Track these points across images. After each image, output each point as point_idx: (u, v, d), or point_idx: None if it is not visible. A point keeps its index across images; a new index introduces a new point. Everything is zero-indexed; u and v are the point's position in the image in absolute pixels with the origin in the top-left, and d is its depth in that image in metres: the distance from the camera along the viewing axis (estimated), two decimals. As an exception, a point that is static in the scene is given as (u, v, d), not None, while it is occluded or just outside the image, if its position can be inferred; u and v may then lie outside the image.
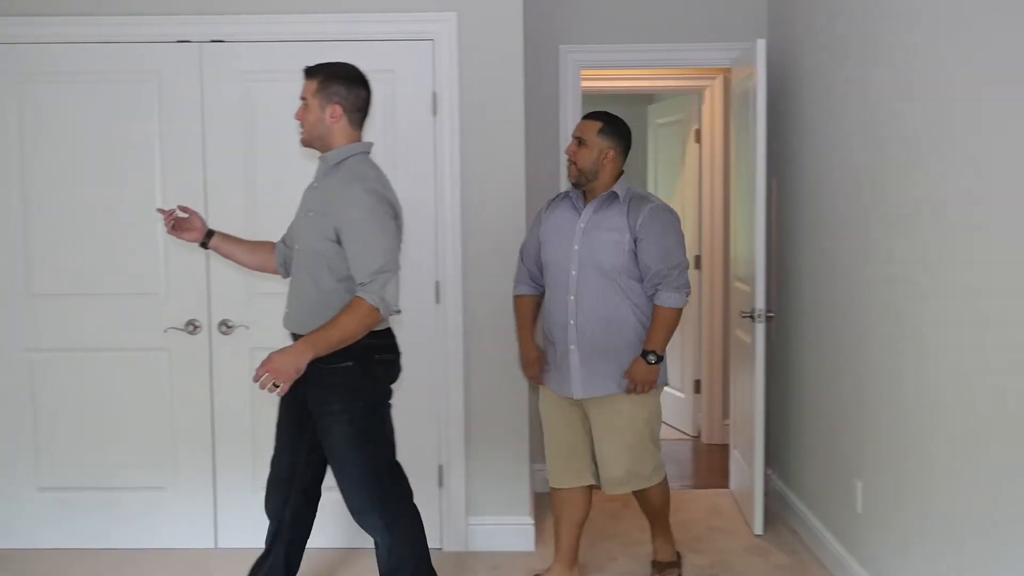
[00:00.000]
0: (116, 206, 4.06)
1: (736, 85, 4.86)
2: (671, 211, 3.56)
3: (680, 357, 6.28)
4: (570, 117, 4.87)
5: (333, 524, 4.04)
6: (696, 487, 5.16)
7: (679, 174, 6.30)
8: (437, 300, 4.08)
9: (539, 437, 4.81)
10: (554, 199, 3.72)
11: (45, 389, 4.14)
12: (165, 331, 4.03)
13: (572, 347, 3.52)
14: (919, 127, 3.03)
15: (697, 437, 6.16)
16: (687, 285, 3.51)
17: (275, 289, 4.06)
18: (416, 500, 3.15)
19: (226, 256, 3.39)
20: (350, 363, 3.00)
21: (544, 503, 4.74)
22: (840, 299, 3.80)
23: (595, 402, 3.54)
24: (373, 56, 4.01)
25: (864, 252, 3.52)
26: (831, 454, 3.95)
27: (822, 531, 4.02)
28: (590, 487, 3.69)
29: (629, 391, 3.47)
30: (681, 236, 3.55)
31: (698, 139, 6.01)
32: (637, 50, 4.90)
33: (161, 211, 3.28)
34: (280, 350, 2.88)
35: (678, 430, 6.35)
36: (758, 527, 4.33)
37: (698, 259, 6.03)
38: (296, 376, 2.87)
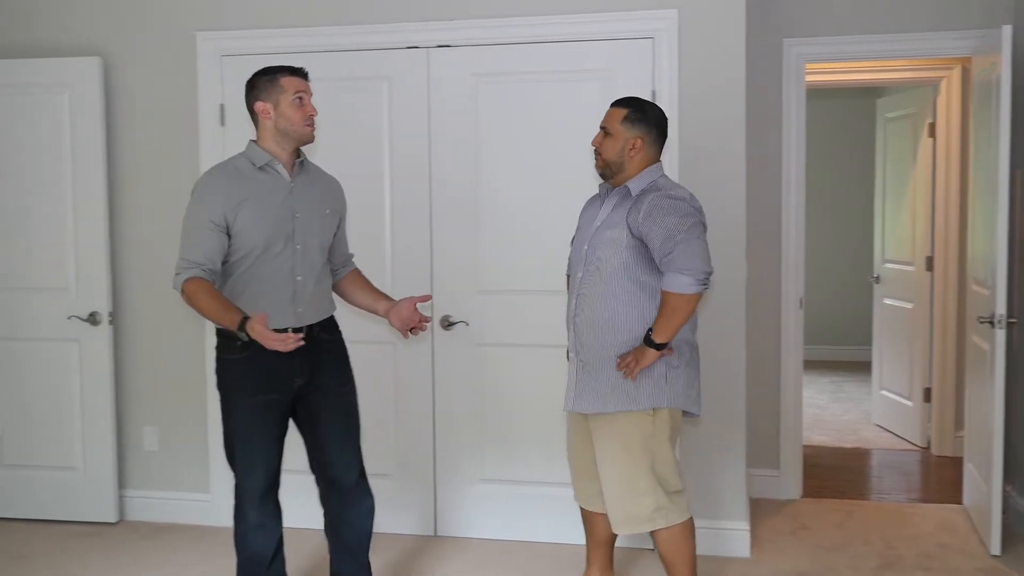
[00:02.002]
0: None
1: (977, 75, 4.56)
2: (677, 198, 3.12)
3: (909, 364, 5.97)
4: (793, 113, 4.73)
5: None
6: (925, 501, 4.88)
7: (910, 170, 5.98)
8: (653, 299, 4.06)
9: (755, 439, 4.72)
10: (591, 198, 3.47)
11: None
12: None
13: (572, 354, 3.30)
14: None
15: (926, 448, 5.83)
16: (695, 270, 3.03)
17: (496, 287, 4.18)
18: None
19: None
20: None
21: (760, 508, 4.63)
22: (1095, 305, 3.50)
23: (594, 420, 3.25)
24: (592, 56, 4.05)
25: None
26: (1081, 473, 3.64)
27: (1069, 556, 3.72)
28: None
29: (617, 366, 3.14)
30: (689, 215, 3.09)
31: (932, 133, 5.69)
32: (866, 41, 4.68)
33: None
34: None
35: (905, 440, 6.04)
36: (995, 547, 4.05)
37: (930, 260, 5.71)
38: None
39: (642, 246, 3.14)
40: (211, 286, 3.04)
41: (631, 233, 3.13)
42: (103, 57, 4.43)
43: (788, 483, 4.87)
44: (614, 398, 3.17)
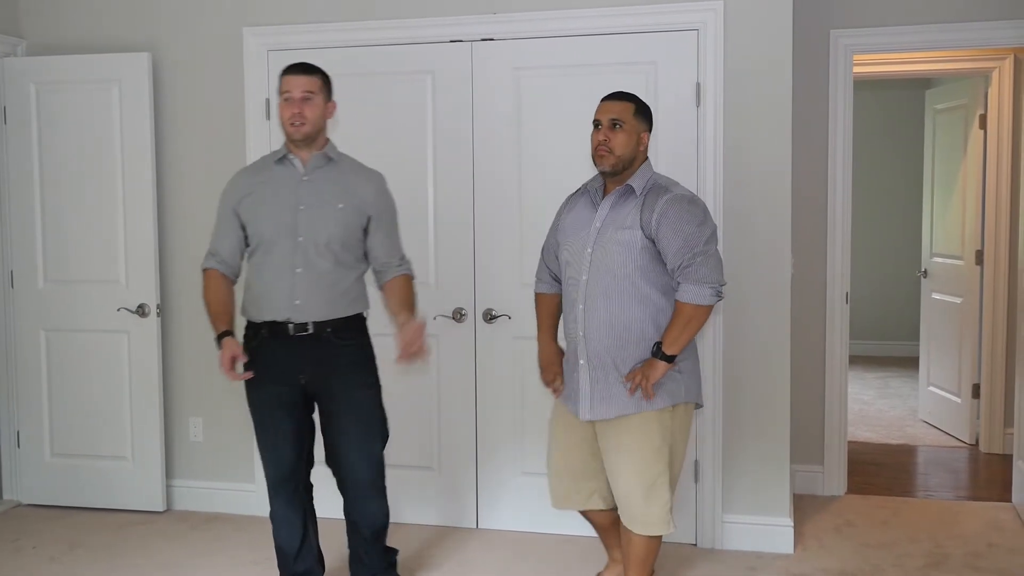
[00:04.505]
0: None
1: (1029, 66, 4.47)
2: (693, 200, 3.09)
3: (957, 359, 5.87)
4: (840, 106, 4.67)
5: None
6: (973, 499, 4.81)
7: (959, 163, 5.88)
8: (697, 293, 4.04)
9: (799, 435, 4.68)
10: (573, 194, 3.36)
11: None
12: (435, 318, 4.23)
13: (582, 362, 3.15)
14: None
15: (975, 445, 5.74)
16: (712, 280, 3.01)
17: (537, 280, 4.18)
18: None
19: None
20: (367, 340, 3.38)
21: (804, 505, 4.59)
22: None
23: (609, 424, 3.15)
24: (636, 48, 4.03)
25: None
26: None
27: (1123, 557, 3.65)
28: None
29: (628, 384, 3.06)
30: (706, 224, 3.05)
31: (983, 125, 5.59)
32: (915, 32, 4.60)
33: None
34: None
35: (953, 437, 5.95)
36: (1045, 547, 3.99)
37: (980, 254, 5.62)
38: None
39: (655, 248, 3.08)
40: (221, 282, 3.28)
41: (644, 235, 3.06)
42: (152, 53, 4.49)
43: (833, 479, 4.82)
44: (634, 399, 3.10)
